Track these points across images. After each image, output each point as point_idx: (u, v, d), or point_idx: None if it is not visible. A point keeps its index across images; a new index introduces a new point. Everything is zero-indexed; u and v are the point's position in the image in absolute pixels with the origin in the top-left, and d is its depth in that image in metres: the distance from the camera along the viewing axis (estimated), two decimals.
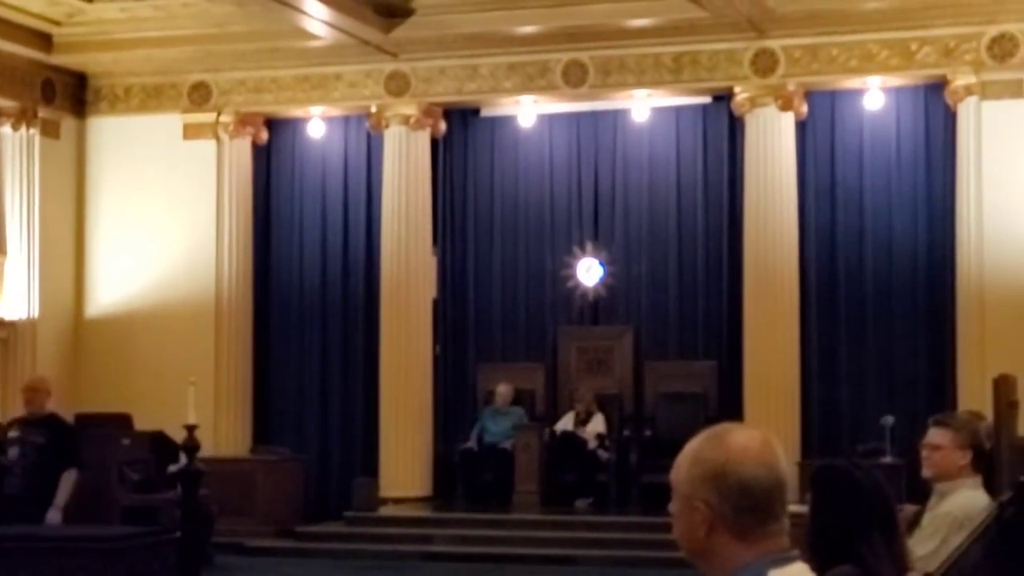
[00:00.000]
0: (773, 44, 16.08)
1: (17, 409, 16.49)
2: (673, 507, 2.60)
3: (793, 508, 2.73)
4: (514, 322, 17.59)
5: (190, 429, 9.16)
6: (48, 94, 17.79)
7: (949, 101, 15.74)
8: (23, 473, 10.09)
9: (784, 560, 2.49)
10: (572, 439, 16.27)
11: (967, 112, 15.50)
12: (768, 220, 16.05)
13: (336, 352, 17.81)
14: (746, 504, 2.48)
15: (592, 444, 16.24)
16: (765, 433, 2.61)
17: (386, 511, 16.34)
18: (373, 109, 17.41)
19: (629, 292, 17.27)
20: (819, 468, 4.61)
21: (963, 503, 5.75)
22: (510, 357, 17.48)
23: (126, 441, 14.93)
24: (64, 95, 18.04)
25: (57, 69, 17.82)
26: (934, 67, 15.70)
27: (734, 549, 2.48)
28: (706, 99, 17.10)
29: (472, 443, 16.65)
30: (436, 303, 17.49)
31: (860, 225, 16.31)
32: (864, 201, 16.31)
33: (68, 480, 10.25)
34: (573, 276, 17.25)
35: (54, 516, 10.28)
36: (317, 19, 15.97)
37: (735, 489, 2.49)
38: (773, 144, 16.14)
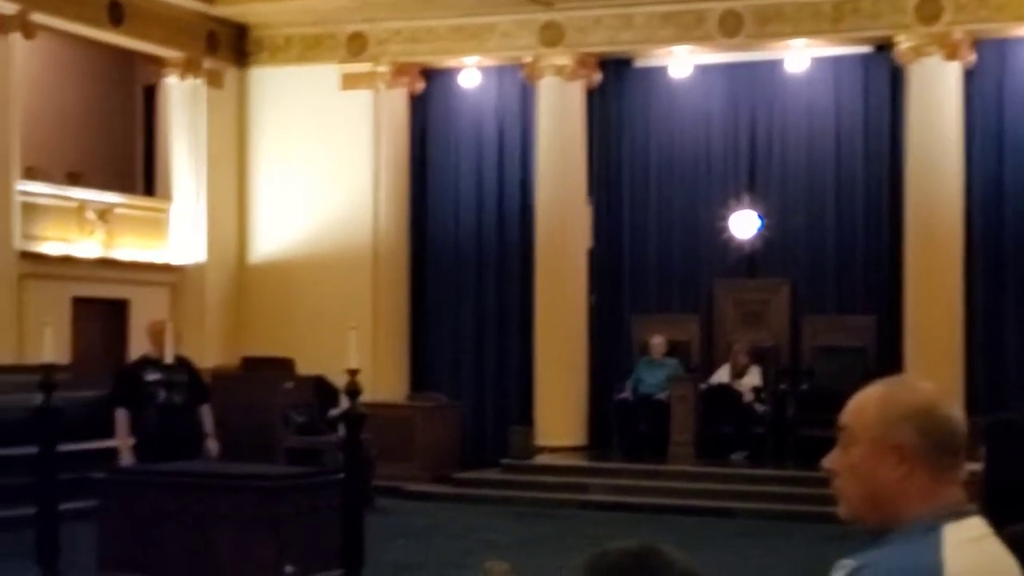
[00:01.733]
0: None
1: (192, 354, 17.06)
2: (849, 457, 2.51)
3: None
4: (669, 273, 17.52)
5: (352, 373, 9.27)
6: (212, 45, 18.14)
7: None
8: (184, 414, 10.40)
9: (963, 514, 2.45)
10: (728, 392, 16.20)
11: None
12: (931, 171, 15.74)
13: (491, 301, 17.94)
14: (947, 445, 2.44)
15: (748, 397, 16.16)
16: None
17: (542, 460, 16.47)
18: (527, 59, 17.43)
19: (786, 244, 17.10)
20: (994, 422, 4.54)
21: None
22: (665, 308, 17.44)
23: (289, 385, 15.24)
24: (227, 45, 18.38)
25: (220, 20, 18.15)
26: None
27: (926, 493, 2.44)
28: (867, 49, 16.79)
29: (627, 393, 16.65)
30: (591, 253, 17.51)
31: None
32: None
33: (209, 411, 10.75)
34: (729, 228, 17.12)
35: (214, 445, 10.58)
36: None
37: (941, 426, 2.45)
38: (937, 94, 15.81)
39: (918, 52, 15.83)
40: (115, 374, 10.48)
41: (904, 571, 2.31)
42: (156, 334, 10.63)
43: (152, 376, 10.46)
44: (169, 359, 10.45)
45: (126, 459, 10.32)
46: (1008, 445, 4.17)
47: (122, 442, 10.31)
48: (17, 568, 9.51)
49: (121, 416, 10.34)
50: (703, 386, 16.27)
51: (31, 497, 9.52)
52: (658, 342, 16.67)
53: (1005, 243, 15.94)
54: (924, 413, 2.46)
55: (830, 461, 2.51)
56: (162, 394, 10.36)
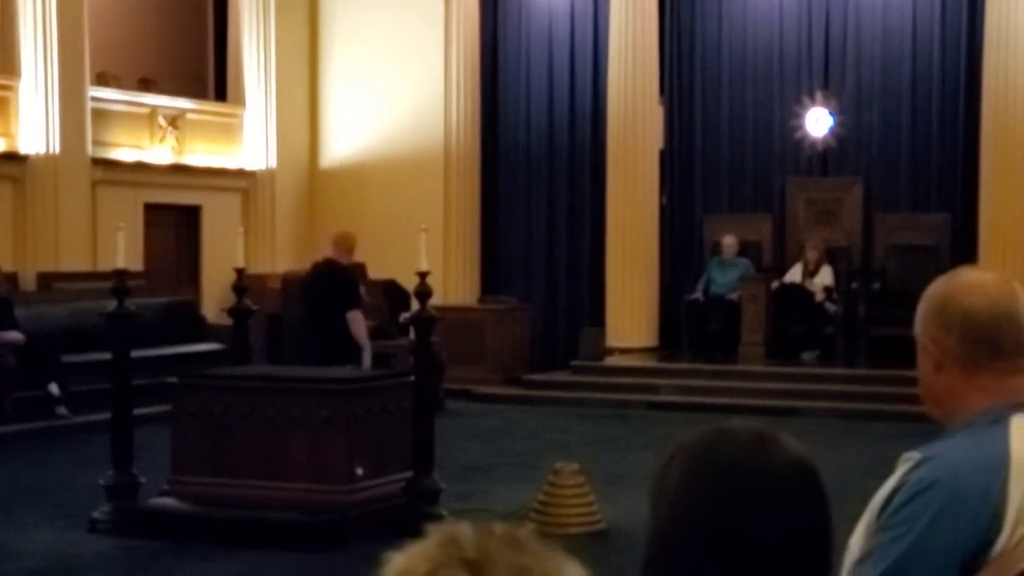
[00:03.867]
0: None
1: (263, 259, 17.22)
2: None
3: None
4: (741, 173, 17.40)
5: (422, 276, 9.30)
6: None
7: None
8: None
9: None
10: (799, 291, 16.12)
11: None
12: (1009, 67, 15.42)
13: (563, 202, 17.91)
14: (969, 334, 2.41)
15: (819, 296, 16.07)
16: (1005, 276, 2.54)
17: (612, 361, 16.51)
18: None
19: (860, 142, 16.90)
20: None
21: None
22: (737, 208, 17.34)
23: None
24: None
25: None
26: None
27: (965, 386, 2.42)
28: None
29: (698, 294, 16.62)
30: (663, 153, 17.40)
31: None
32: None
33: None
34: (802, 126, 16.94)
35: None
36: None
37: (957, 318, 2.42)
38: None
39: None
40: (339, 277, 10.81)
41: (970, 463, 2.32)
42: (351, 245, 10.86)
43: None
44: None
45: (369, 361, 10.56)
46: None
47: (367, 345, 10.59)
48: (93, 472, 9.74)
49: (359, 319, 10.68)
50: (774, 285, 16.20)
51: (106, 402, 9.69)
52: (730, 242, 16.59)
53: None
54: (944, 309, 2.45)
55: None
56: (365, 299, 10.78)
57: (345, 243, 11.05)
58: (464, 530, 1.32)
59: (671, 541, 1.78)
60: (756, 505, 1.75)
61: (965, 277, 2.50)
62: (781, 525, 1.75)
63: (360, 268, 11.32)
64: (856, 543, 2.34)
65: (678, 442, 1.84)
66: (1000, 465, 2.31)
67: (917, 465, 2.33)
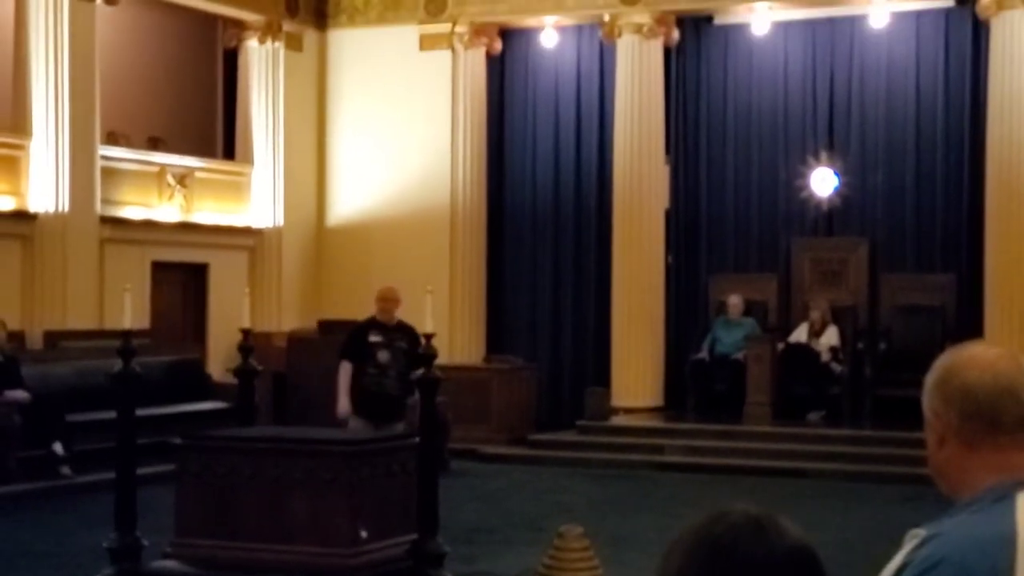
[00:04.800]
0: None
1: (270, 317, 17.22)
2: None
3: None
4: (747, 232, 17.44)
5: (428, 337, 9.31)
6: (292, 7, 18.23)
7: None
8: (397, 376, 10.68)
9: None
10: (805, 351, 16.10)
11: None
12: (1013, 128, 15.48)
13: (568, 262, 17.95)
14: (969, 409, 2.40)
15: (825, 357, 16.05)
16: (1013, 351, 2.54)
17: (618, 421, 16.48)
18: (606, 18, 17.34)
19: (865, 202, 16.95)
20: None
21: None
22: (742, 267, 17.37)
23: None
24: (307, 8, 18.48)
25: None
26: None
27: (968, 462, 2.42)
28: (949, 2, 16.54)
29: (704, 354, 16.61)
30: (668, 213, 17.45)
31: None
32: None
33: None
34: (807, 186, 16.99)
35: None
36: None
37: (958, 392, 2.42)
38: (1020, 49, 15.52)
39: (1000, 5, 15.56)
40: (348, 331, 11.13)
41: (976, 541, 2.30)
42: (385, 300, 10.92)
43: (375, 337, 10.79)
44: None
45: (343, 409, 10.64)
46: None
47: (342, 393, 10.66)
48: (96, 533, 9.71)
49: (344, 369, 10.72)
50: (780, 346, 16.19)
51: (110, 462, 9.67)
52: (735, 302, 16.60)
53: None
54: (946, 381, 2.44)
55: None
56: (382, 355, 10.67)
57: (377, 299, 11.08)
58: None
59: None
60: None
61: (970, 351, 2.50)
62: None
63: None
64: None
65: (684, 526, 1.86)
66: (1007, 543, 2.30)
67: (923, 543, 2.33)
